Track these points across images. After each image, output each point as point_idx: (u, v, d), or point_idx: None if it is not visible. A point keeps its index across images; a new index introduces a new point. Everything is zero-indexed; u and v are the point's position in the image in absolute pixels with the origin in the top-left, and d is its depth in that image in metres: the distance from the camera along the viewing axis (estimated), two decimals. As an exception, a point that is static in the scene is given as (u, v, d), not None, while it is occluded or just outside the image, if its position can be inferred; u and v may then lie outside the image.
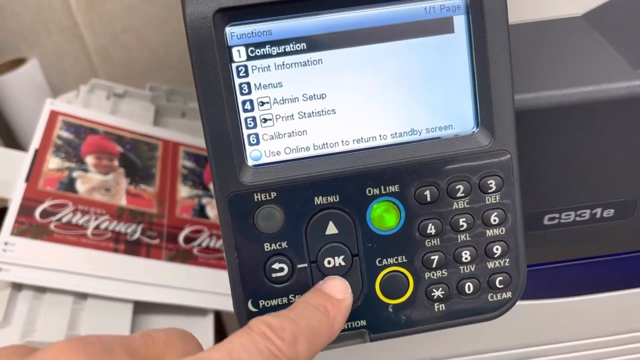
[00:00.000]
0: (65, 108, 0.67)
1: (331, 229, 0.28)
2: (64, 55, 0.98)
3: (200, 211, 0.66)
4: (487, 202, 0.28)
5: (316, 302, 0.26)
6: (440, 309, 0.29)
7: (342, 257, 0.28)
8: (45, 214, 0.57)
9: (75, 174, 0.62)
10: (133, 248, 0.59)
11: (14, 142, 0.97)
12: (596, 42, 0.32)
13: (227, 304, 0.60)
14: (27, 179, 0.59)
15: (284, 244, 0.27)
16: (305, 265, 0.28)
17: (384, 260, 0.28)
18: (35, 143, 0.63)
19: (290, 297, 0.28)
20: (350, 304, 0.27)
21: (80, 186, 0.62)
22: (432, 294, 0.29)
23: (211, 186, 0.70)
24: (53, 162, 0.62)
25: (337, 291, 0.27)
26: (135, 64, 0.99)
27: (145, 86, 0.84)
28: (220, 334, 0.67)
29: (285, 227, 0.27)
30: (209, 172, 0.72)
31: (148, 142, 0.70)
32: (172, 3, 0.95)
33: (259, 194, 0.27)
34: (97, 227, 0.59)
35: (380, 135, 0.28)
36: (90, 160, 0.65)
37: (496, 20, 0.27)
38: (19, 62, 0.95)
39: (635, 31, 0.32)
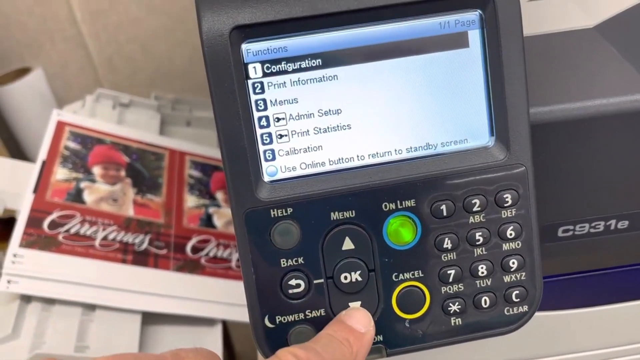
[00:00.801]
0: (72, 118, 0.67)
1: (347, 245, 0.28)
2: (69, 65, 0.98)
3: (207, 221, 0.66)
4: (503, 216, 0.28)
5: (340, 336, 0.26)
6: (457, 323, 0.29)
7: (358, 272, 0.28)
8: (53, 225, 0.57)
9: (82, 184, 0.63)
10: (141, 258, 0.59)
11: (19, 151, 0.97)
12: (608, 54, 0.32)
13: (235, 314, 0.60)
14: (35, 190, 0.59)
15: (300, 260, 0.27)
16: (322, 280, 0.28)
17: (401, 275, 0.28)
18: (42, 154, 0.63)
19: (306, 312, 0.28)
20: (372, 337, 0.27)
21: (88, 197, 0.62)
22: (449, 308, 0.29)
23: (218, 195, 0.70)
24: (60, 173, 0.62)
25: (359, 324, 0.27)
26: (139, 73, 0.99)
27: (150, 96, 0.85)
28: (227, 344, 0.67)
29: (301, 243, 0.27)
30: (216, 181, 0.72)
31: (154, 151, 0.71)
32: (176, 13, 0.95)
33: (275, 209, 0.27)
34: (105, 238, 0.59)
35: (395, 150, 0.28)
36: (97, 170, 0.65)
37: (511, 34, 0.27)
38: (23, 72, 0.95)
39: (647, 43, 0.32)
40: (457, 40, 0.27)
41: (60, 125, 0.66)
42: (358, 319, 0.27)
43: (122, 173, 0.66)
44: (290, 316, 0.28)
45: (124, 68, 0.99)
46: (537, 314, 0.30)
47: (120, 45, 0.97)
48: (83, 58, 0.98)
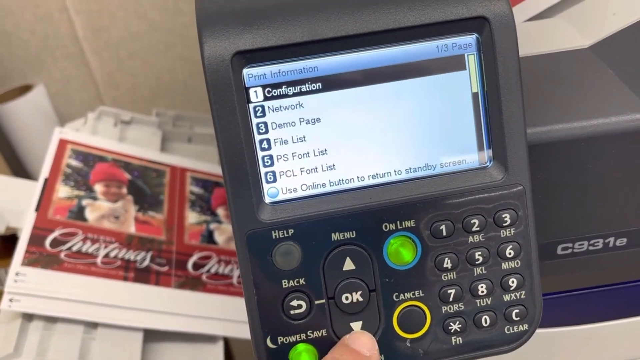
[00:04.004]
0: (74, 136, 0.68)
1: (348, 265, 0.28)
2: (70, 82, 0.99)
3: (209, 237, 0.67)
4: (502, 236, 0.29)
5: (345, 359, 0.26)
6: (457, 342, 0.29)
7: (359, 292, 0.28)
8: (55, 243, 0.58)
9: (84, 202, 0.63)
10: (142, 276, 0.59)
11: (21, 168, 0.98)
12: (604, 74, 0.32)
13: (236, 331, 0.60)
14: (37, 209, 0.59)
15: (301, 281, 0.28)
16: (323, 301, 0.28)
17: (401, 295, 0.29)
18: (44, 172, 0.63)
19: (308, 333, 0.28)
20: None
21: (90, 214, 0.62)
22: (449, 327, 0.29)
23: (219, 211, 0.70)
24: (62, 191, 0.63)
25: (364, 348, 0.27)
26: (141, 89, 1.00)
27: (151, 111, 0.85)
28: (229, 360, 0.67)
29: (302, 264, 0.28)
30: (217, 198, 0.72)
31: (156, 168, 0.71)
32: (176, 29, 0.96)
33: (276, 231, 0.27)
34: (106, 256, 0.59)
35: (395, 171, 0.28)
36: (99, 188, 0.65)
37: (507, 57, 0.28)
38: (25, 89, 0.96)
39: (642, 63, 0.32)
40: (455, 63, 0.28)
41: (62, 143, 0.67)
42: (363, 343, 0.27)
43: (124, 190, 0.66)
44: (292, 337, 0.28)
45: (125, 84, 1.00)
46: (537, 330, 0.30)
47: (121, 61, 0.97)
48: (85, 74, 0.98)
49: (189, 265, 0.63)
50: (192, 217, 0.68)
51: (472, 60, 0.28)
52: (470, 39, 0.28)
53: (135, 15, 0.94)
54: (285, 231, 0.27)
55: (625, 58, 0.33)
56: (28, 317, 0.53)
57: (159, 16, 0.95)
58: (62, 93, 0.99)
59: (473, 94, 0.28)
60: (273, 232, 0.27)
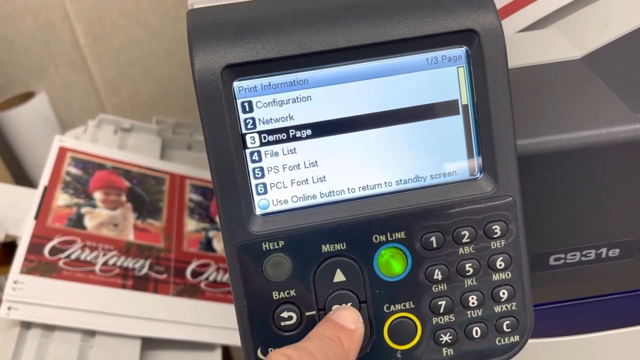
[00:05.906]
0: (73, 144, 0.68)
1: (339, 277, 0.28)
2: (72, 89, 0.99)
3: (207, 245, 0.67)
4: (492, 247, 0.29)
5: (330, 334, 0.26)
6: (449, 354, 0.29)
7: (350, 304, 0.28)
8: (54, 251, 0.58)
9: (83, 210, 0.63)
10: (141, 283, 0.59)
11: (23, 175, 0.98)
12: (595, 86, 0.32)
13: (235, 339, 0.60)
14: (37, 216, 0.60)
15: (292, 292, 0.28)
16: (314, 313, 0.28)
17: (392, 306, 0.29)
18: (44, 180, 0.63)
19: (299, 344, 0.28)
20: (362, 333, 0.28)
21: (89, 222, 0.62)
22: (440, 338, 0.29)
23: (218, 219, 0.71)
24: (62, 199, 0.63)
25: (349, 321, 0.27)
26: (141, 95, 1.01)
27: (151, 117, 0.86)
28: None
29: (293, 276, 0.28)
30: (216, 205, 0.72)
31: (155, 176, 0.71)
32: (176, 36, 0.97)
33: (267, 243, 0.27)
34: (105, 263, 0.59)
35: (385, 183, 0.29)
36: (98, 195, 0.65)
37: (496, 69, 0.28)
38: (27, 96, 0.96)
39: (634, 74, 0.32)
40: (445, 76, 0.28)
41: (62, 151, 0.67)
42: (347, 317, 0.27)
43: (123, 198, 0.67)
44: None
45: (126, 90, 1.00)
46: (529, 340, 0.30)
47: (122, 67, 0.98)
48: (86, 81, 0.99)
49: (188, 272, 0.63)
50: (191, 224, 0.68)
51: (461, 73, 0.28)
52: (459, 51, 0.28)
53: (137, 22, 0.95)
54: (275, 243, 0.28)
55: (617, 69, 0.33)
56: (26, 325, 0.53)
57: (160, 23, 0.95)
58: (64, 100, 1.00)
59: (463, 105, 0.28)
60: (263, 243, 0.27)
